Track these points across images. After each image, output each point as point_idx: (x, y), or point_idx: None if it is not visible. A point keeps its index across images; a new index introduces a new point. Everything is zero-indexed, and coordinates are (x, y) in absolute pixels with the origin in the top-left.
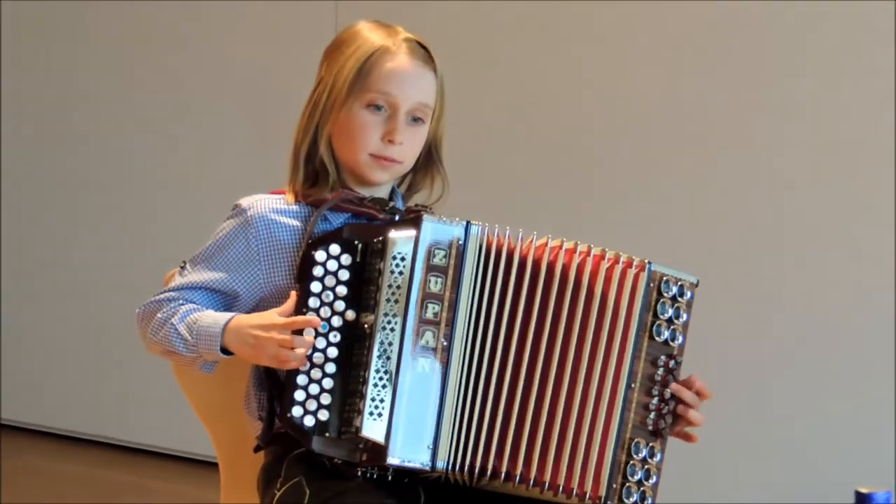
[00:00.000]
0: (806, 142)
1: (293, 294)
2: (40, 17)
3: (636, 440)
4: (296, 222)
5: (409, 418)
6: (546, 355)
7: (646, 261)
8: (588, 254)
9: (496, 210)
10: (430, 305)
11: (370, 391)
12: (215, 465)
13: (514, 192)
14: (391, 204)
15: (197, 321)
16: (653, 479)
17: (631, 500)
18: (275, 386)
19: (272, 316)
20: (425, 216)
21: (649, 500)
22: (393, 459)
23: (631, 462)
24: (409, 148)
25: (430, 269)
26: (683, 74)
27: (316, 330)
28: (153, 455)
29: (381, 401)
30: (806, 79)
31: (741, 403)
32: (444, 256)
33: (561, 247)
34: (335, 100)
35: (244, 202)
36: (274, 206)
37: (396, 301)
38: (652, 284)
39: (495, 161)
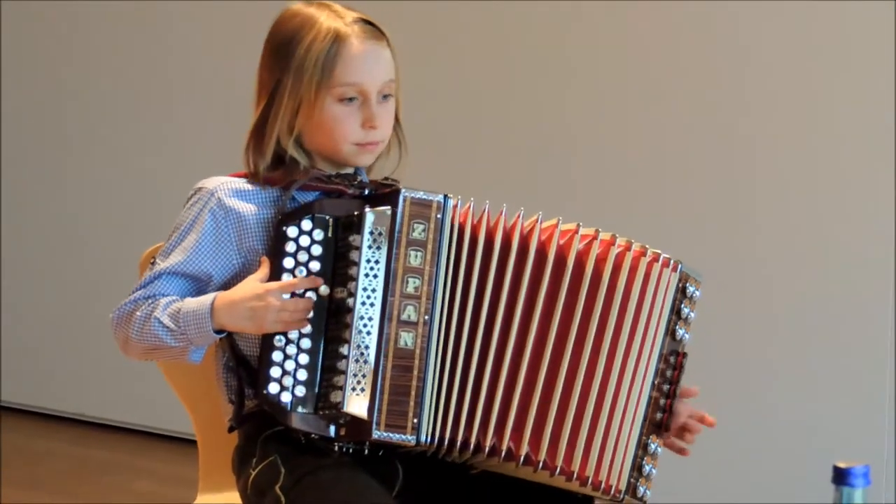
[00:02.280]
0: (806, 139)
1: (265, 260)
2: (38, 15)
3: (652, 436)
4: (262, 201)
5: (391, 393)
6: (558, 341)
7: (677, 260)
8: (612, 244)
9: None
10: (410, 280)
11: (351, 366)
12: (194, 442)
13: (508, 179)
14: (359, 178)
15: (180, 309)
16: (655, 472)
17: (640, 492)
18: (244, 367)
19: (257, 285)
20: (403, 190)
21: (649, 493)
22: (377, 434)
23: (647, 457)
24: (386, 126)
25: (410, 243)
26: (681, 70)
27: (316, 290)
28: (136, 433)
29: (364, 376)
30: (802, 73)
31: (741, 403)
32: (424, 230)
33: (577, 232)
34: (301, 101)
35: (206, 184)
36: (237, 186)
37: (375, 276)
38: (680, 284)
39: (489, 149)
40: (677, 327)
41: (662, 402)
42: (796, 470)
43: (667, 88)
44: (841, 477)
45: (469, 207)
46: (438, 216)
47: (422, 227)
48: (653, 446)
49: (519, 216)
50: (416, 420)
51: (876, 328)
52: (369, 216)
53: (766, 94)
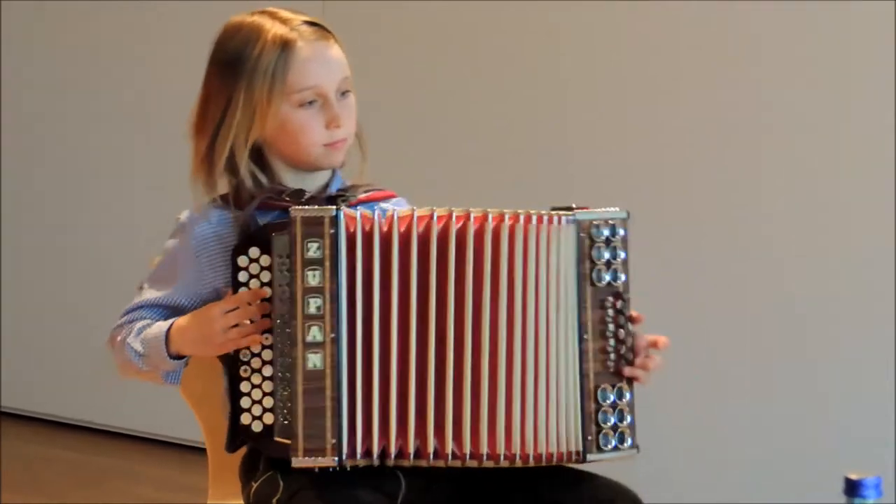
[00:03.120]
0: (806, 139)
1: (228, 293)
2: (40, 15)
3: (601, 386)
4: (230, 229)
5: (306, 416)
6: (457, 326)
7: (571, 213)
8: (502, 220)
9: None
10: (311, 300)
11: (278, 393)
12: (203, 450)
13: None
14: (307, 194)
15: (147, 334)
16: (627, 419)
17: (610, 445)
18: (229, 393)
19: (205, 308)
20: (293, 210)
21: (629, 441)
22: (298, 461)
23: (602, 409)
24: (349, 122)
25: (306, 263)
26: (681, 70)
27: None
28: (140, 440)
29: (289, 402)
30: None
31: (740, 402)
32: (319, 248)
33: (468, 217)
34: (255, 112)
35: (182, 217)
36: (210, 216)
37: (287, 300)
38: (583, 234)
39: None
40: (598, 273)
41: (611, 347)
42: (805, 477)
43: (666, 89)
44: (853, 488)
45: (369, 216)
46: (332, 231)
47: (316, 244)
48: (611, 396)
49: (412, 212)
50: (334, 441)
51: (883, 334)
52: (275, 240)
53: (765, 94)
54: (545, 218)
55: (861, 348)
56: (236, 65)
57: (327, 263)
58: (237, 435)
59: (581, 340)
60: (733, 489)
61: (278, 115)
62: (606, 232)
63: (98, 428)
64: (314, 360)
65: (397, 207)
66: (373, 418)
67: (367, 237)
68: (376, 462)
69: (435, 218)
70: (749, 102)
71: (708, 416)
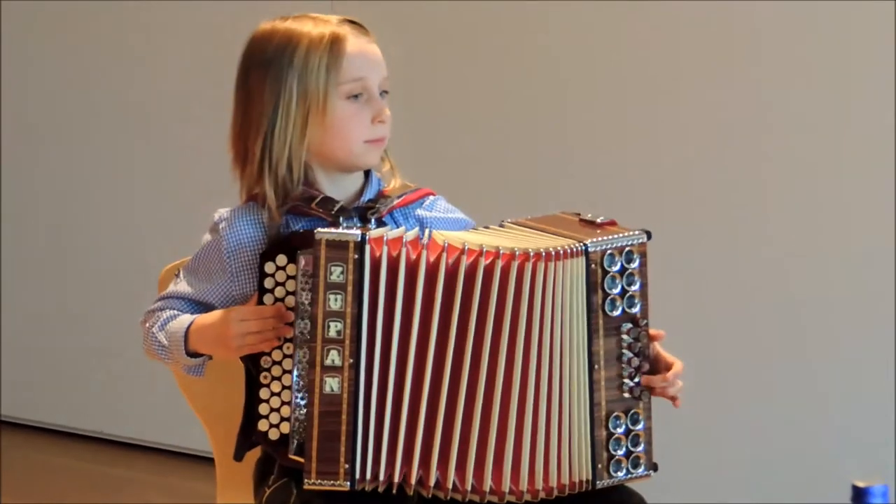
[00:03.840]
0: (806, 139)
1: (254, 298)
2: (40, 15)
3: (614, 413)
4: (262, 233)
5: (320, 439)
6: (473, 360)
7: (581, 244)
8: (513, 257)
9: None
10: (332, 324)
11: (295, 412)
12: (212, 460)
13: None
14: (338, 204)
15: (170, 328)
16: (641, 446)
17: (621, 472)
18: (246, 400)
19: (226, 310)
20: (317, 232)
21: (642, 467)
22: (310, 483)
23: (614, 437)
24: (389, 122)
25: (329, 286)
26: (680, 70)
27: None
28: (151, 451)
29: (305, 422)
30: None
31: (740, 402)
32: (342, 273)
33: (480, 253)
34: (310, 107)
35: (216, 215)
36: (244, 221)
37: (308, 319)
38: (594, 265)
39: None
40: (611, 302)
41: (626, 372)
42: (805, 478)
43: (666, 89)
44: (860, 496)
45: (395, 242)
46: (356, 256)
47: (339, 269)
48: (623, 423)
49: (444, 244)
50: (347, 465)
51: (883, 334)
52: (299, 258)
53: (765, 94)
54: (554, 252)
55: (861, 348)
56: (281, 64)
57: (349, 288)
58: (247, 442)
59: (592, 371)
60: (733, 489)
61: (332, 108)
62: (620, 261)
63: (110, 439)
64: (331, 383)
65: (432, 212)
66: (383, 446)
67: (393, 265)
68: (382, 489)
69: (465, 251)
70: (749, 102)
71: (708, 416)
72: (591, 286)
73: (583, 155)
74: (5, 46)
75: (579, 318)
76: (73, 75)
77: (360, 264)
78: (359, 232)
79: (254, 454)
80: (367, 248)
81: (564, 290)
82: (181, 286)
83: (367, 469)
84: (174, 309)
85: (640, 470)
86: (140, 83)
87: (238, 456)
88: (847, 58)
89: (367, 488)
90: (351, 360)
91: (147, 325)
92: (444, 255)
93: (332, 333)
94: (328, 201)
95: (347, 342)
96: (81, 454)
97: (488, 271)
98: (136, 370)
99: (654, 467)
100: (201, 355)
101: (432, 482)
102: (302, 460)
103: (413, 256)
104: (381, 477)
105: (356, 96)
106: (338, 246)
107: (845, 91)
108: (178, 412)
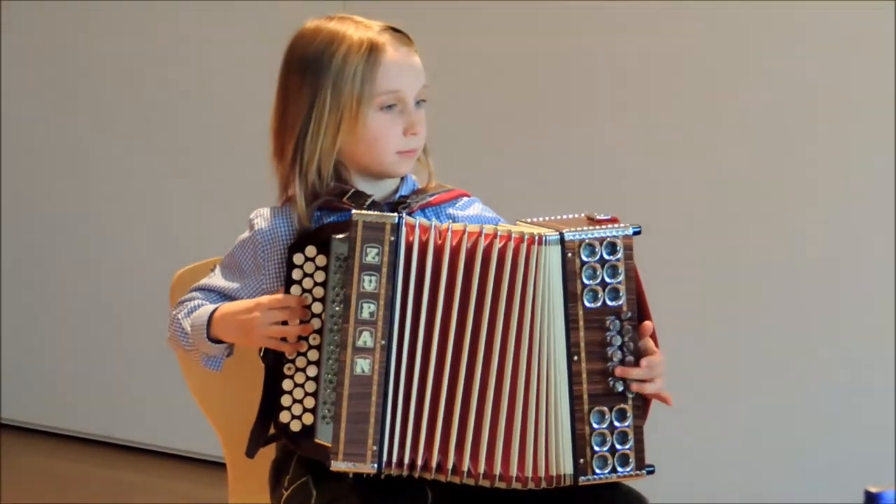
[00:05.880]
0: (806, 139)
1: (281, 289)
2: (43, 16)
3: (596, 409)
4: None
5: (349, 421)
6: (471, 345)
7: (558, 232)
8: (494, 236)
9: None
10: (365, 305)
11: (322, 395)
12: (223, 465)
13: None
14: (370, 198)
15: (196, 314)
16: (630, 443)
17: (607, 468)
18: (265, 393)
19: (252, 299)
20: (354, 213)
21: (632, 464)
22: (337, 465)
23: (596, 432)
24: (423, 132)
25: (364, 268)
26: (680, 70)
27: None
28: (162, 455)
29: (333, 404)
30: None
31: (740, 402)
32: (378, 254)
33: (480, 233)
34: (343, 115)
35: (253, 215)
36: (281, 216)
37: (341, 302)
38: (571, 254)
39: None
40: (591, 293)
41: (611, 367)
42: (804, 478)
43: (666, 89)
44: (872, 502)
45: (425, 226)
46: (392, 238)
47: (375, 250)
48: (607, 419)
49: (464, 228)
50: (375, 447)
51: (883, 334)
52: (334, 242)
53: (765, 94)
54: (525, 236)
55: (861, 348)
56: (319, 66)
57: (384, 270)
58: (262, 436)
59: (571, 362)
60: (733, 489)
61: (364, 118)
62: (601, 252)
63: (121, 443)
64: (363, 364)
65: (466, 212)
66: (408, 429)
67: (423, 247)
68: (406, 473)
69: (483, 235)
70: (749, 102)
71: (708, 416)
72: (569, 275)
73: (582, 155)
74: (5, 46)
75: (555, 306)
76: (74, 75)
77: (395, 246)
78: (395, 215)
79: (266, 455)
80: (403, 230)
81: (538, 275)
82: (214, 279)
83: (394, 452)
84: (203, 300)
85: (629, 469)
86: (142, 83)
87: (251, 452)
88: (847, 58)
89: (392, 474)
90: (383, 342)
91: (174, 311)
92: (465, 237)
93: (366, 315)
94: (360, 195)
95: (380, 323)
96: (93, 459)
97: (499, 252)
98: (148, 374)
99: (649, 467)
100: (222, 343)
101: (450, 467)
102: (328, 444)
103: (439, 241)
104: (406, 461)
105: (390, 107)
106: (375, 227)
107: (845, 91)
108: (188, 416)
